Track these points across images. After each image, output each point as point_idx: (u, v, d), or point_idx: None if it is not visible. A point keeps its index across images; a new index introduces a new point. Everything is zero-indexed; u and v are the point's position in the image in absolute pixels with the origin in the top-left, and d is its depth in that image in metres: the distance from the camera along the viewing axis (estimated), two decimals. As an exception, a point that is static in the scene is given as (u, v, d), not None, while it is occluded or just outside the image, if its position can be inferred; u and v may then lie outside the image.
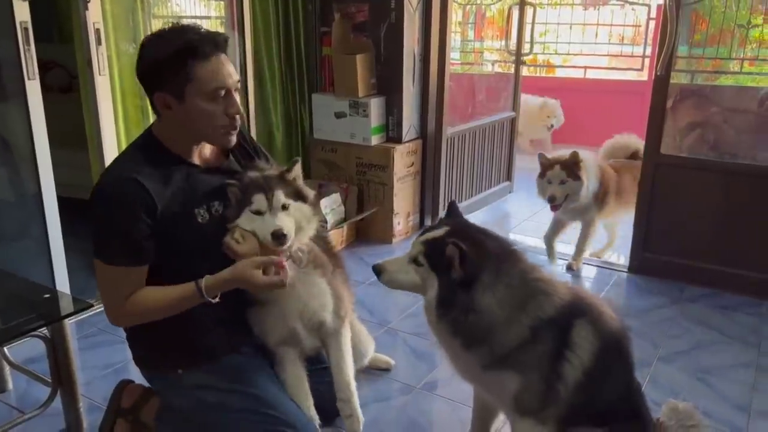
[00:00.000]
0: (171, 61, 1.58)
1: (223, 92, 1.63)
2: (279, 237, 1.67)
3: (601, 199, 3.53)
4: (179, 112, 1.64)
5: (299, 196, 1.79)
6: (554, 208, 3.45)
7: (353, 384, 1.98)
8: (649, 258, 3.56)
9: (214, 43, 1.61)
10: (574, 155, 3.37)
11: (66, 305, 2.03)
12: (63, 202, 2.87)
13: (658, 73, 3.30)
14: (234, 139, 1.74)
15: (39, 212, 2.76)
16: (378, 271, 1.67)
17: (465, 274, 1.51)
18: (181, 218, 1.66)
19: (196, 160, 1.75)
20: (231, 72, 1.65)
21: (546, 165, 3.43)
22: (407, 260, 1.64)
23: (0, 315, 2.02)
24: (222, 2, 3.71)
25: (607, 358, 1.62)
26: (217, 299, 1.64)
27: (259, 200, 1.70)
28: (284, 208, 1.73)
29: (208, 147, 1.80)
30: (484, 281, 1.52)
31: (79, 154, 3.33)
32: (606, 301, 1.76)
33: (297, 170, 1.82)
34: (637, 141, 3.84)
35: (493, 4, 4.62)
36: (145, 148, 1.70)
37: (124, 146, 3.05)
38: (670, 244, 3.49)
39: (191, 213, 1.69)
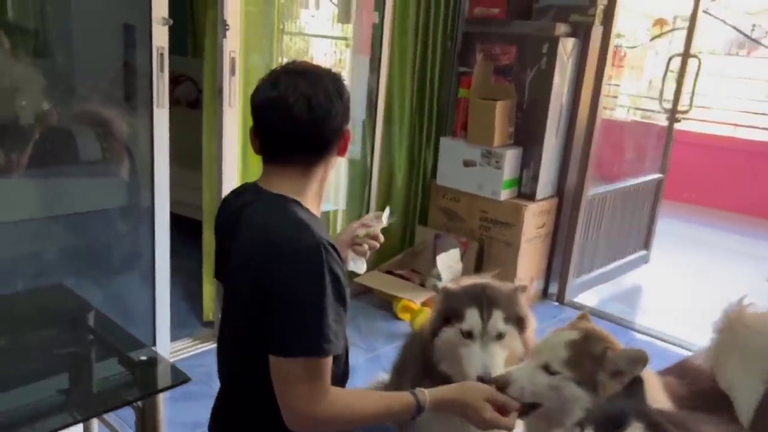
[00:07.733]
0: None
1: None
2: (485, 382, 1.32)
3: None
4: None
5: (519, 322, 1.45)
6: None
7: None
8: None
9: None
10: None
11: (163, 374, 1.80)
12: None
13: None
14: None
15: (149, 234, 2.65)
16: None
17: None
18: None
19: None
20: None
21: None
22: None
23: (95, 369, 1.83)
24: (350, 25, 3.51)
25: None
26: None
27: (472, 318, 1.38)
28: (500, 337, 1.39)
29: None
30: None
31: (191, 173, 3.24)
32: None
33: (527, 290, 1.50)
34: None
35: (654, 56, 4.14)
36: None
37: (245, 178, 2.89)
38: None
39: None
